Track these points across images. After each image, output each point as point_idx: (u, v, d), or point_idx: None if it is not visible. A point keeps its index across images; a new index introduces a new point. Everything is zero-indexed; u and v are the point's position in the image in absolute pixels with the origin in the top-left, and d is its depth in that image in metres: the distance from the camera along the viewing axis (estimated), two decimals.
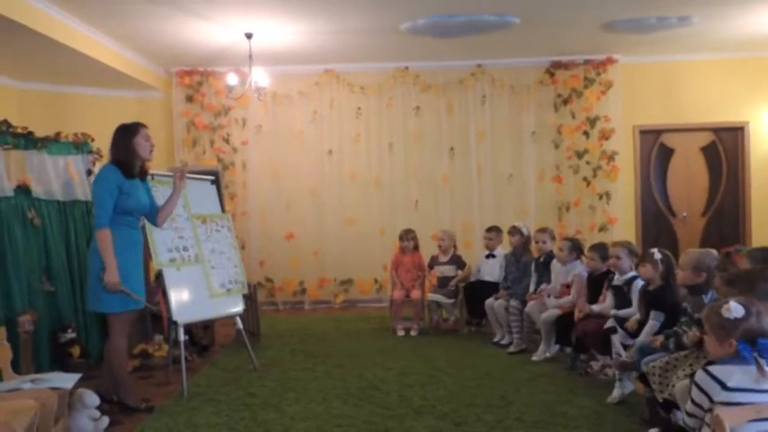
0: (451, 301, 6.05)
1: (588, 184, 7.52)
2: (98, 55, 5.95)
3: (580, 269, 4.83)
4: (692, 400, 2.31)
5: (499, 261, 5.82)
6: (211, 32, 6.02)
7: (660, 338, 3.35)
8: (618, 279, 4.24)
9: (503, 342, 5.44)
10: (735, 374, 2.21)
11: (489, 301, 5.56)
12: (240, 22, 5.77)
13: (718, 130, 7.71)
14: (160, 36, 6.09)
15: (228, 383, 4.52)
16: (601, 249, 4.56)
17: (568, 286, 4.87)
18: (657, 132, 7.77)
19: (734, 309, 2.27)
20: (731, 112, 7.58)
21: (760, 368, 2.20)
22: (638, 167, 7.76)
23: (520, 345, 5.20)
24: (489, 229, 6.07)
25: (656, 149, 7.80)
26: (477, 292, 5.85)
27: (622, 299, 4.17)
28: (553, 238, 5.39)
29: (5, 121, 4.37)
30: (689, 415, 2.32)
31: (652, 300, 3.72)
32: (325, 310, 7.48)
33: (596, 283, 4.54)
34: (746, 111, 7.60)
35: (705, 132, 7.73)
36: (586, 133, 7.51)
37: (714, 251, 3.56)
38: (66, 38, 5.38)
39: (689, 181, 7.81)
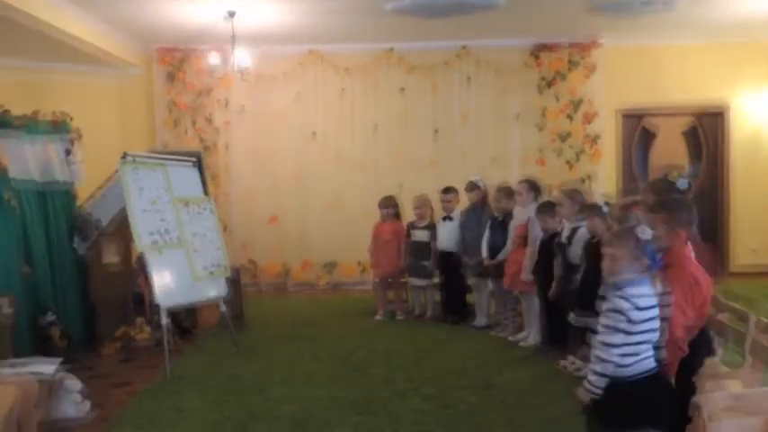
0: (426, 282, 5.87)
1: (571, 167, 7.54)
2: (75, 30, 5.75)
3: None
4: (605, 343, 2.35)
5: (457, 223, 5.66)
6: (193, 10, 5.87)
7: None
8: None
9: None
10: (644, 290, 2.39)
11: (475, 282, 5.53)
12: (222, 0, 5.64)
13: (699, 115, 7.77)
14: (141, 13, 5.93)
15: (213, 367, 4.49)
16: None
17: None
18: (639, 116, 7.81)
19: (643, 231, 2.49)
20: (712, 97, 7.63)
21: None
22: (620, 151, 7.80)
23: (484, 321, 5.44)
24: (446, 191, 5.77)
25: (638, 133, 7.85)
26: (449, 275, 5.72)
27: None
28: (510, 195, 5.21)
29: None
30: (596, 375, 2.37)
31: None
32: (308, 292, 7.46)
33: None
34: (727, 95, 7.65)
35: (686, 117, 7.78)
36: (570, 116, 7.52)
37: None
38: (41, 12, 5.18)
39: (670, 165, 7.87)
